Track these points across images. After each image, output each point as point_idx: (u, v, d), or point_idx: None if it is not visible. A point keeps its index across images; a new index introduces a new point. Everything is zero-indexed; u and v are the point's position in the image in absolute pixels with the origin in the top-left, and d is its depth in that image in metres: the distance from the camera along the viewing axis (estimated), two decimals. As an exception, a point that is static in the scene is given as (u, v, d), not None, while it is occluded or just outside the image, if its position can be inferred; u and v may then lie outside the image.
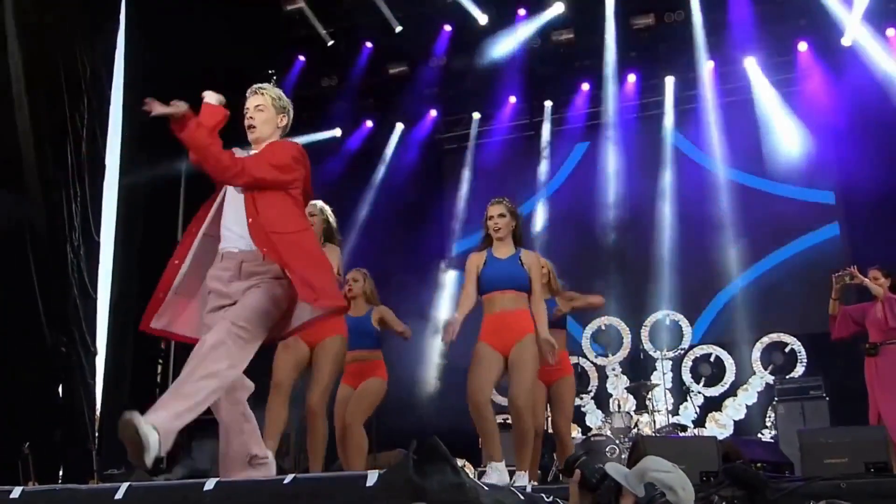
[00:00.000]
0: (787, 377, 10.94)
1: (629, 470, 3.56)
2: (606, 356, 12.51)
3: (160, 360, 10.95)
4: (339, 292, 4.58)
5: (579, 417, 12.12)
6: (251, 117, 4.42)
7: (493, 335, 5.76)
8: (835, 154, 12.07)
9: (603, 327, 12.64)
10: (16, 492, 3.46)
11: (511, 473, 5.74)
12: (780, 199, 12.36)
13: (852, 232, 11.74)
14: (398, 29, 12.34)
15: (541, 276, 5.98)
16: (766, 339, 11.77)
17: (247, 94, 4.48)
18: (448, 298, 12.43)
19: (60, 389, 9.04)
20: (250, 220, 4.10)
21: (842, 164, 11.92)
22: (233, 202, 4.26)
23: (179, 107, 3.97)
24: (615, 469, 3.56)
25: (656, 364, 11.67)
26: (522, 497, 3.84)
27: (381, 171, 13.70)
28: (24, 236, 8.61)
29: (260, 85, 4.48)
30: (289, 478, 3.20)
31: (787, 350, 11.53)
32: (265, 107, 4.42)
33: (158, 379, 10.92)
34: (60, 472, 8.56)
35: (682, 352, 12.11)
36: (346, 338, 6.11)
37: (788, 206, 12.28)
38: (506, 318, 5.76)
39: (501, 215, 5.96)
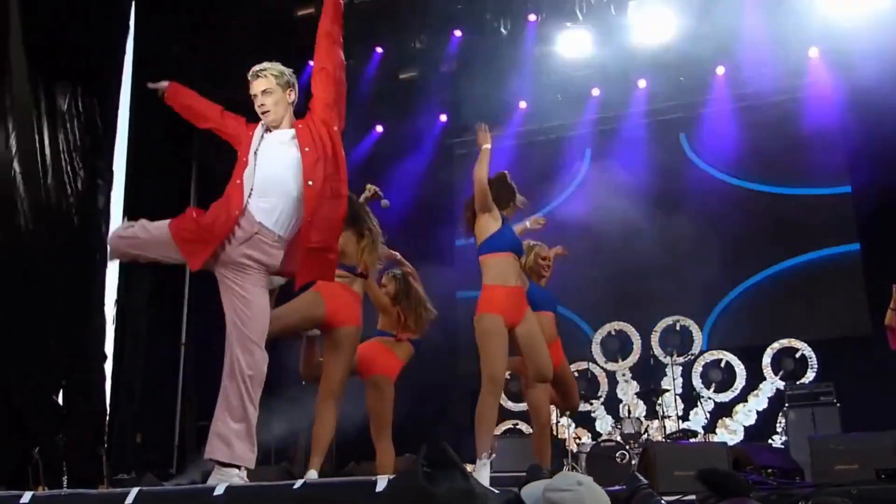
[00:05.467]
0: (798, 383, 10.92)
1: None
2: (616, 361, 12.51)
3: (172, 363, 10.98)
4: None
5: (589, 423, 12.12)
6: (262, 103, 4.50)
7: None
8: (846, 159, 12.04)
9: (613, 332, 12.63)
10: (26, 496, 3.47)
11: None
12: (791, 203, 12.32)
13: (867, 236, 11.68)
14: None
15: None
16: (776, 345, 11.73)
17: (249, 79, 4.53)
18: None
19: (69, 394, 9.04)
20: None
21: (854, 169, 11.90)
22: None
23: None
24: (527, 493, 3.41)
25: (666, 370, 11.65)
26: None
27: (391, 175, 13.69)
28: (28, 242, 8.61)
29: (259, 67, 4.51)
30: (299, 483, 3.20)
31: (797, 356, 11.48)
32: (272, 88, 4.49)
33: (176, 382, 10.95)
34: (65, 479, 8.57)
35: (693, 357, 12.08)
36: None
37: (800, 210, 12.23)
38: None
39: None
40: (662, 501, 3.46)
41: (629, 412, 10.96)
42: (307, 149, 4.39)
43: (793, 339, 11.66)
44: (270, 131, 4.52)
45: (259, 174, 4.38)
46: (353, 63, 12.90)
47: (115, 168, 10.25)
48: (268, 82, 4.49)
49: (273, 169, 4.39)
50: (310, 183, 4.33)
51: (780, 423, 10.96)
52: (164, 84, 4.86)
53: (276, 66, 4.54)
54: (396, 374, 6.46)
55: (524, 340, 5.90)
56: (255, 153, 4.43)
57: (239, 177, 4.40)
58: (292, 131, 4.48)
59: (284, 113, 4.53)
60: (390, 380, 6.38)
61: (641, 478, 3.30)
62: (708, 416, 11.47)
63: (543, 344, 5.97)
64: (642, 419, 10.49)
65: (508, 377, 9.07)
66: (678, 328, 12.17)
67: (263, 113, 4.50)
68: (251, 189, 4.35)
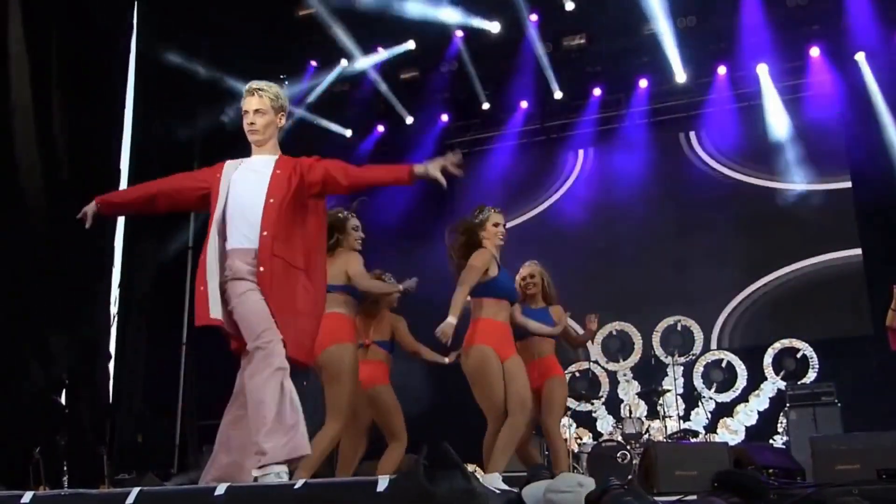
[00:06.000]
0: (799, 383, 10.90)
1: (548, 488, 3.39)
2: (618, 361, 12.50)
3: (172, 363, 10.98)
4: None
5: (590, 423, 12.10)
6: (252, 122, 4.45)
7: None
8: (848, 160, 12.02)
9: (614, 332, 12.61)
10: (27, 496, 3.47)
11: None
12: (794, 203, 12.28)
13: (869, 237, 11.64)
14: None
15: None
16: (777, 345, 11.71)
17: (244, 93, 4.49)
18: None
19: (71, 394, 9.04)
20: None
21: (856, 170, 11.88)
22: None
23: None
24: (528, 494, 3.42)
25: (668, 370, 11.64)
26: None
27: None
28: (32, 241, 8.60)
29: (257, 85, 4.47)
30: (299, 483, 3.20)
31: (799, 356, 11.46)
32: (265, 109, 4.44)
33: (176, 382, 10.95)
34: (66, 479, 8.58)
35: (694, 357, 12.06)
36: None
37: (802, 209, 12.20)
38: None
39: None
40: (637, 502, 3.45)
41: (630, 412, 10.95)
42: (272, 200, 4.27)
43: (794, 339, 11.65)
44: (249, 157, 4.49)
45: (231, 202, 4.33)
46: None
47: (119, 167, 10.27)
48: (262, 102, 4.43)
49: (242, 195, 4.32)
50: (265, 233, 4.21)
51: (782, 423, 10.95)
52: (91, 207, 4.78)
53: (274, 88, 4.49)
54: (386, 378, 6.43)
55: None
56: (228, 188, 4.36)
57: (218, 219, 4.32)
58: (274, 159, 4.43)
59: (272, 136, 4.49)
60: (385, 386, 6.36)
61: (615, 480, 3.28)
62: (709, 416, 11.47)
63: (523, 384, 5.85)
64: (643, 419, 10.47)
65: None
66: (679, 328, 12.15)
67: (252, 131, 4.46)
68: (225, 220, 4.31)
